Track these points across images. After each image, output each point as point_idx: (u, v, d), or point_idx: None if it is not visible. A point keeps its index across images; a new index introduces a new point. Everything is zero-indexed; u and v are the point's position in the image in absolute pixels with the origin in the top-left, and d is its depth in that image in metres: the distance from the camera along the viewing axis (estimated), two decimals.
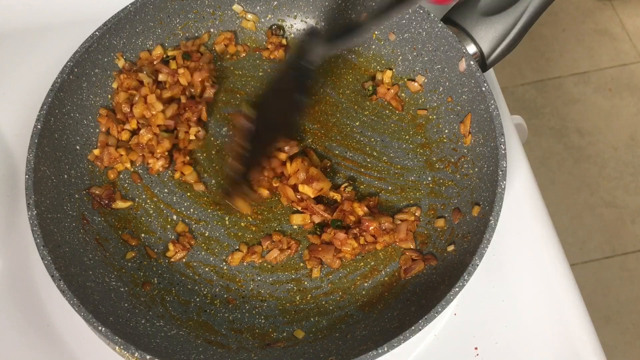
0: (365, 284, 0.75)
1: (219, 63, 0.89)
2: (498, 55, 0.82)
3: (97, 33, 0.79)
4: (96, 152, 0.80)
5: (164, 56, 0.86)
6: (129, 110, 0.80)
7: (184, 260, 0.76)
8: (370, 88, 0.87)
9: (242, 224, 0.79)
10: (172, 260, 0.76)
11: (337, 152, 0.84)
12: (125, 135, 0.81)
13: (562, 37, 2.16)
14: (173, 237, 0.77)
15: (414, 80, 0.86)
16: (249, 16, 0.89)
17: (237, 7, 0.89)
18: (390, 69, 0.88)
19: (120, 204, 0.78)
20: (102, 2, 0.85)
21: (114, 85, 0.83)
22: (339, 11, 0.86)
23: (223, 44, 0.89)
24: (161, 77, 0.83)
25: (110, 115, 0.81)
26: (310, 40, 0.72)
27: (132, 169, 0.81)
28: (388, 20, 0.65)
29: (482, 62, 0.82)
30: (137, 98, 0.81)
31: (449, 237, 0.75)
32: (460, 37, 0.81)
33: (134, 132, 0.82)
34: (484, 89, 0.75)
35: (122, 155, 0.80)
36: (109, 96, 0.83)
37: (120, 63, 0.83)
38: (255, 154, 0.76)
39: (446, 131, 0.83)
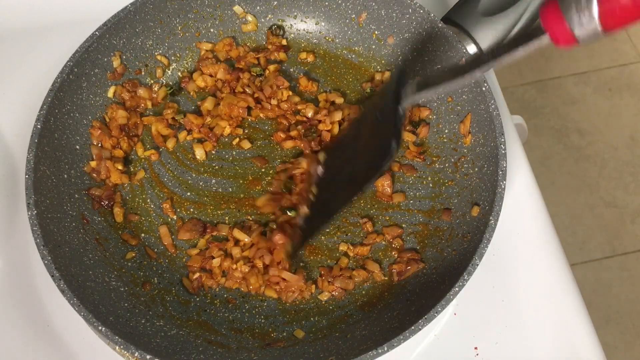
0: (366, 284, 0.75)
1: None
2: None
3: (97, 33, 0.79)
4: (93, 164, 0.78)
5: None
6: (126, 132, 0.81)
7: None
8: (369, 90, 0.87)
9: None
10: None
11: None
12: (119, 152, 0.80)
13: None
14: (173, 237, 0.77)
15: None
16: (249, 17, 0.89)
17: (237, 9, 0.88)
18: (390, 70, 0.88)
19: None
20: (102, 2, 0.85)
21: (109, 95, 0.82)
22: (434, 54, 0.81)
23: (224, 50, 0.89)
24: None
25: (103, 129, 0.80)
26: (405, 85, 0.65)
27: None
28: (488, 68, 0.56)
29: None
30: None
31: (448, 237, 0.75)
32: (460, 37, 0.81)
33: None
34: (484, 89, 0.75)
35: (119, 169, 0.79)
36: (106, 97, 0.82)
37: (116, 63, 0.82)
38: (325, 202, 0.71)
39: (446, 131, 0.83)
